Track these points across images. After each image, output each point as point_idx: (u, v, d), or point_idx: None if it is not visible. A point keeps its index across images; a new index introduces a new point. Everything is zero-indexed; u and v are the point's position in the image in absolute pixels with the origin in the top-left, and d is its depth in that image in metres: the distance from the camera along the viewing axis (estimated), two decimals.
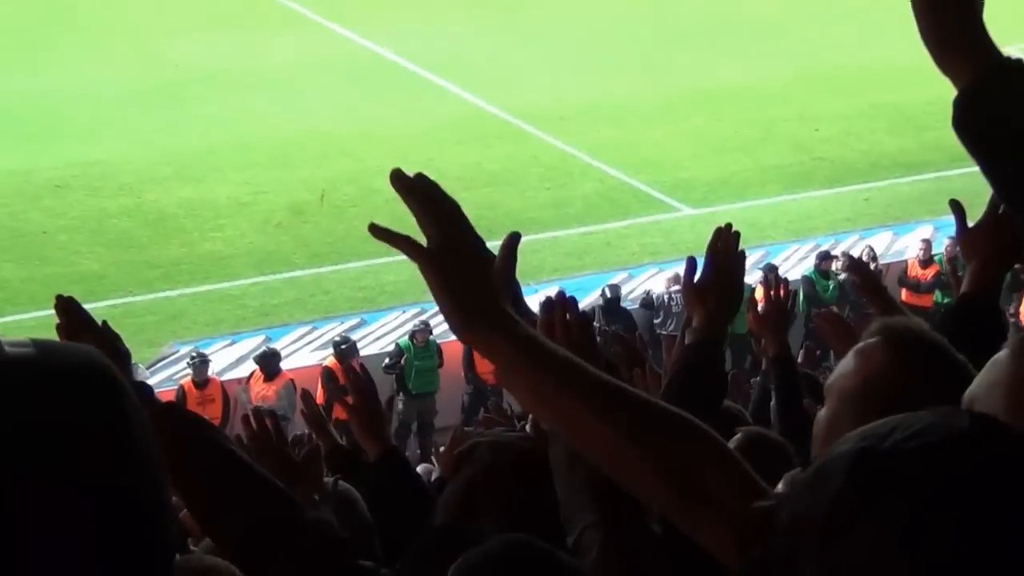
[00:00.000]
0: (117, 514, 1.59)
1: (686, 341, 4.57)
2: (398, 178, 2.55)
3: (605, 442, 2.50)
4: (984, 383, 2.86)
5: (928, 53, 2.75)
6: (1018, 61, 2.74)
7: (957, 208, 4.72)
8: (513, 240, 2.71)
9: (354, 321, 20.70)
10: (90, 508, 1.55)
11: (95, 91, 27.63)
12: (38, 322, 21.36)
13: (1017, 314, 21.73)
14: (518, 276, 3.87)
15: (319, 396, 19.37)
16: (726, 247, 4.58)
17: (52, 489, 1.54)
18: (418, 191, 2.55)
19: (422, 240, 2.48)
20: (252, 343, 20.44)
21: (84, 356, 1.72)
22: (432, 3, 31.96)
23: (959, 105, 2.74)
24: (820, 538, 1.86)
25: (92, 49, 29.13)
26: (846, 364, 3.69)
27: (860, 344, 3.71)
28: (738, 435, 5.31)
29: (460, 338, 2.64)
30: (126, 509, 1.60)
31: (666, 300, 21.52)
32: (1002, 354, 2.76)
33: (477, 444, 4.90)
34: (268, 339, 20.40)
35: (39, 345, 1.63)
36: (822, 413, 3.63)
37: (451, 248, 2.59)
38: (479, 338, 2.59)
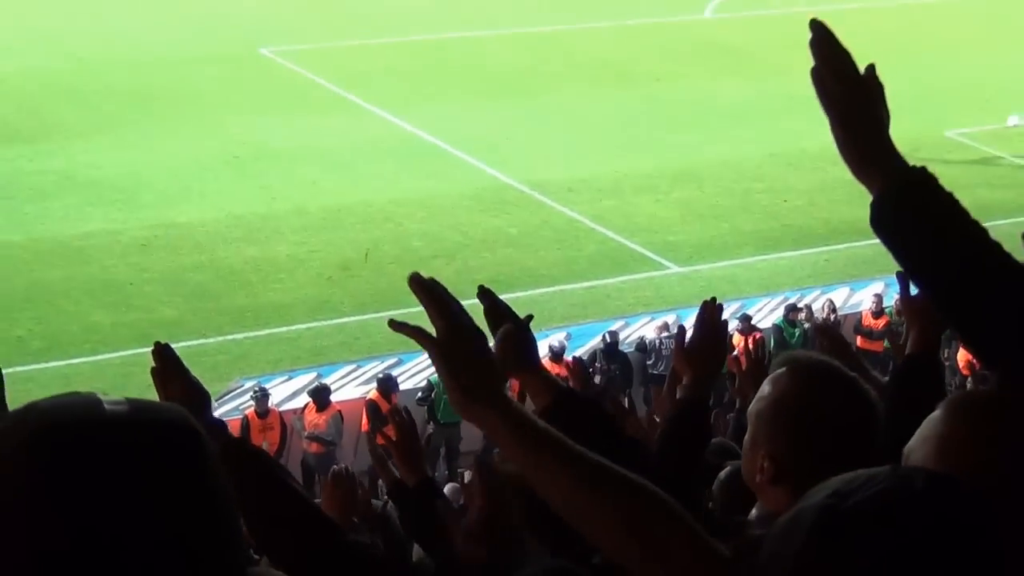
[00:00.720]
0: (198, 545, 1.70)
1: (677, 396, 4.62)
2: (415, 281, 2.62)
3: (580, 508, 2.51)
4: (919, 438, 2.71)
5: (846, 165, 2.76)
6: (921, 171, 2.78)
7: (901, 278, 4.68)
8: (507, 331, 2.73)
9: (392, 360, 20.55)
10: (176, 540, 1.66)
11: (175, 164, 27.62)
12: (124, 360, 21.23)
13: (954, 359, 21.67)
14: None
15: (364, 424, 19.29)
16: (711, 318, 4.63)
17: (145, 528, 1.65)
18: (430, 292, 2.62)
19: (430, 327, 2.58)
20: (306, 379, 20.34)
21: (168, 413, 1.81)
22: (461, 92, 31.93)
23: (873, 209, 2.79)
24: None
25: (173, 128, 29.09)
26: (760, 391, 3.66)
27: (772, 373, 3.68)
28: (727, 467, 5.36)
29: (460, 414, 2.63)
30: (205, 540, 1.71)
31: (657, 344, 21.53)
32: (936, 413, 2.65)
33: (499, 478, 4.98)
34: (320, 376, 20.30)
35: (132, 403, 1.70)
36: (747, 435, 3.60)
37: (454, 339, 2.61)
38: (475, 415, 2.58)
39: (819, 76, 2.81)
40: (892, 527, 1.87)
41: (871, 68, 2.81)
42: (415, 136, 29.36)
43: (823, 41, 2.81)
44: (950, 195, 2.78)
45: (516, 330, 3.97)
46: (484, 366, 2.58)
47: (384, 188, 27.18)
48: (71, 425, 1.70)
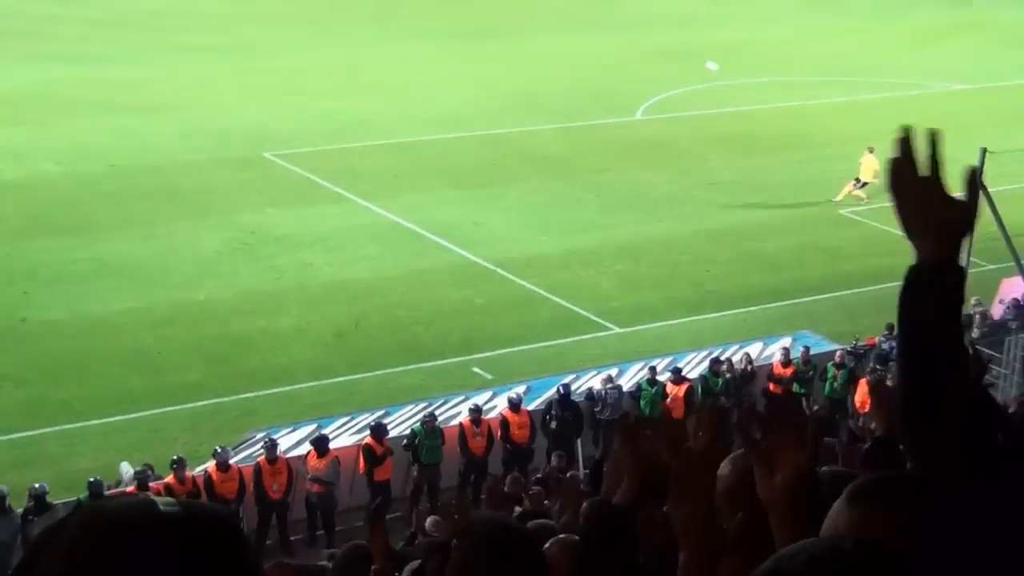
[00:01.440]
0: None
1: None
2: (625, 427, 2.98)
3: None
4: (826, 526, 2.63)
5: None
6: (952, 263, 2.71)
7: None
8: None
9: (381, 412, 20.44)
10: None
11: (195, 250, 27.57)
12: (155, 417, 21.18)
13: (851, 399, 21.70)
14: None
15: (361, 466, 19.22)
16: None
17: None
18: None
19: None
20: (307, 430, 20.23)
21: (215, 513, 1.79)
22: (434, 185, 32.11)
23: (908, 280, 2.76)
24: None
25: (193, 221, 29.02)
26: (723, 469, 3.76)
27: (732, 455, 3.74)
28: None
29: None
30: None
31: (603, 394, 21.50)
32: (840, 501, 2.61)
33: (471, 522, 4.81)
34: (319, 427, 20.20)
35: (183, 504, 1.71)
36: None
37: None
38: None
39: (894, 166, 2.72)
40: None
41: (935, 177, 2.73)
42: (396, 223, 29.31)
43: (905, 144, 2.77)
44: (962, 287, 2.68)
45: None
46: None
47: (371, 267, 27.14)
48: (129, 524, 1.69)
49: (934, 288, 2.70)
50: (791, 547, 1.99)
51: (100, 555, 1.64)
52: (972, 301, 23.31)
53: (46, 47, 42.53)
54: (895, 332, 3.03)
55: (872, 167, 31.62)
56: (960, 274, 2.69)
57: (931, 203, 2.69)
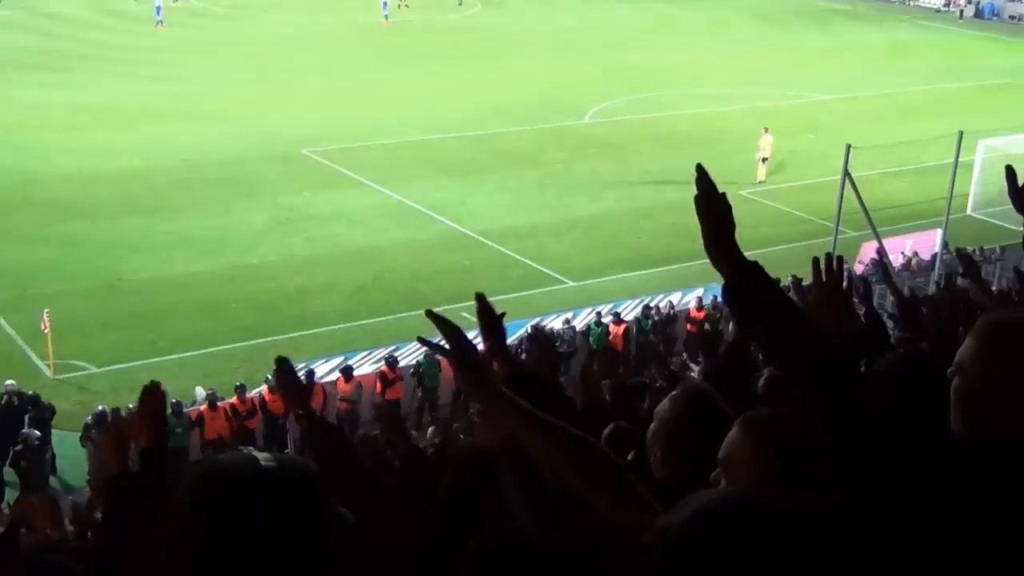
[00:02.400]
0: (318, 557, 1.70)
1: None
2: (430, 314, 2.72)
3: (551, 456, 2.44)
4: (723, 455, 2.69)
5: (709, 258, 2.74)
6: (753, 264, 2.69)
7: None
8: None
9: (393, 347, 20.49)
10: (303, 557, 1.67)
11: (248, 225, 28.07)
12: (222, 352, 21.23)
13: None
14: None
15: (377, 387, 19.34)
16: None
17: (281, 547, 1.64)
18: (441, 322, 2.62)
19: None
20: (336, 361, 20.26)
21: (302, 465, 1.81)
22: (432, 174, 32.10)
23: (723, 293, 2.75)
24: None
25: (246, 203, 29.13)
26: (662, 406, 3.47)
27: (672, 394, 3.51)
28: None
29: (475, 398, 2.65)
30: (322, 555, 1.70)
31: (561, 332, 21.61)
32: (734, 431, 2.70)
33: (456, 448, 4.75)
34: (346, 358, 20.24)
35: (276, 459, 1.72)
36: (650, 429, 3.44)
37: (459, 353, 2.56)
38: (481, 403, 2.60)
39: (699, 201, 2.74)
40: (694, 530, 1.68)
41: (724, 195, 2.77)
42: (402, 203, 29.31)
43: (702, 179, 2.75)
44: (770, 280, 2.69)
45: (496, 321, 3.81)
46: (481, 365, 2.58)
47: (383, 237, 27.19)
48: (237, 477, 1.69)
49: (745, 295, 2.68)
50: (687, 499, 1.85)
51: (215, 502, 1.66)
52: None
53: (132, 69, 42.31)
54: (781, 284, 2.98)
55: (769, 142, 31.86)
56: (759, 273, 2.69)
57: (722, 217, 2.72)
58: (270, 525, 1.65)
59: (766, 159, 32.09)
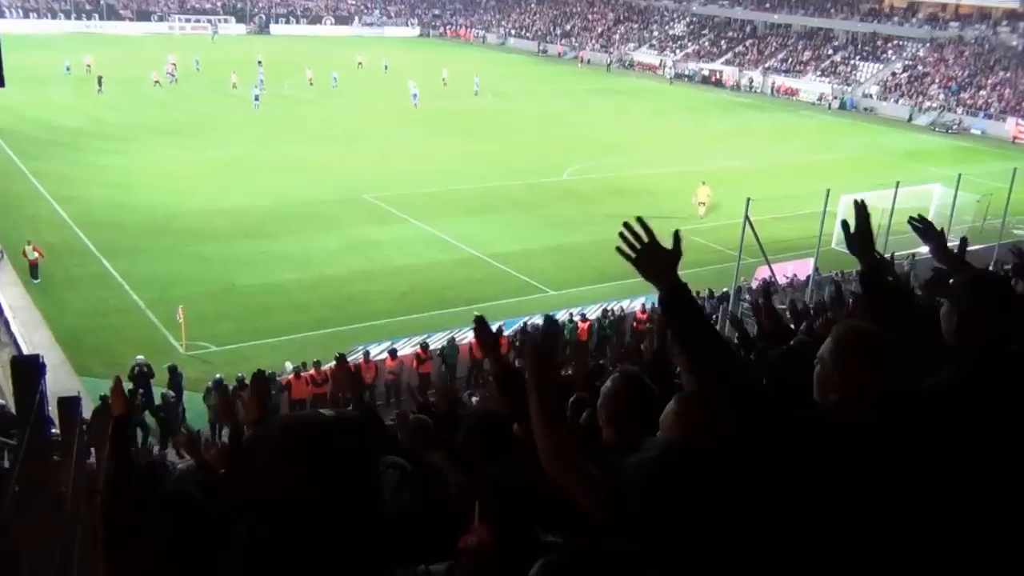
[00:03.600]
0: (367, 497, 1.65)
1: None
2: (479, 319, 2.77)
3: (544, 437, 2.41)
4: (665, 415, 2.76)
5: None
6: (683, 285, 2.66)
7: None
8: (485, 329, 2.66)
9: (426, 335, 20.61)
10: (357, 494, 1.63)
11: (326, 249, 27.77)
12: (303, 338, 21.07)
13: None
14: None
15: (414, 364, 19.40)
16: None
17: (343, 484, 1.61)
18: (482, 330, 2.51)
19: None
20: (385, 344, 20.35)
21: (353, 417, 1.74)
22: (454, 213, 31.87)
23: (660, 304, 2.70)
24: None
25: (324, 232, 28.91)
26: (607, 387, 3.34)
27: (612, 375, 3.41)
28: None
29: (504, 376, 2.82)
30: (372, 495, 1.66)
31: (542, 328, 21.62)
32: (671, 404, 2.64)
33: (469, 411, 4.62)
34: (392, 343, 20.29)
35: (335, 412, 1.68)
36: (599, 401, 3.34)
37: (494, 360, 2.78)
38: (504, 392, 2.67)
39: (623, 243, 2.78)
40: (639, 469, 1.82)
41: (651, 237, 2.78)
42: (434, 234, 29.33)
43: (628, 227, 2.79)
44: (691, 297, 2.67)
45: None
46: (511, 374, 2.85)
47: (420, 257, 27.13)
48: (310, 424, 1.66)
49: (676, 304, 2.65)
50: (646, 443, 1.93)
51: (293, 443, 1.64)
52: (741, 280, 23.48)
53: (242, 136, 42.40)
54: (699, 296, 3.03)
55: (706, 191, 32.56)
56: (685, 290, 2.66)
57: (655, 256, 2.70)
58: (330, 458, 1.63)
59: (703, 203, 32.65)
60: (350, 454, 1.66)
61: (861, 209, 3.36)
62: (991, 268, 16.33)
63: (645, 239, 2.74)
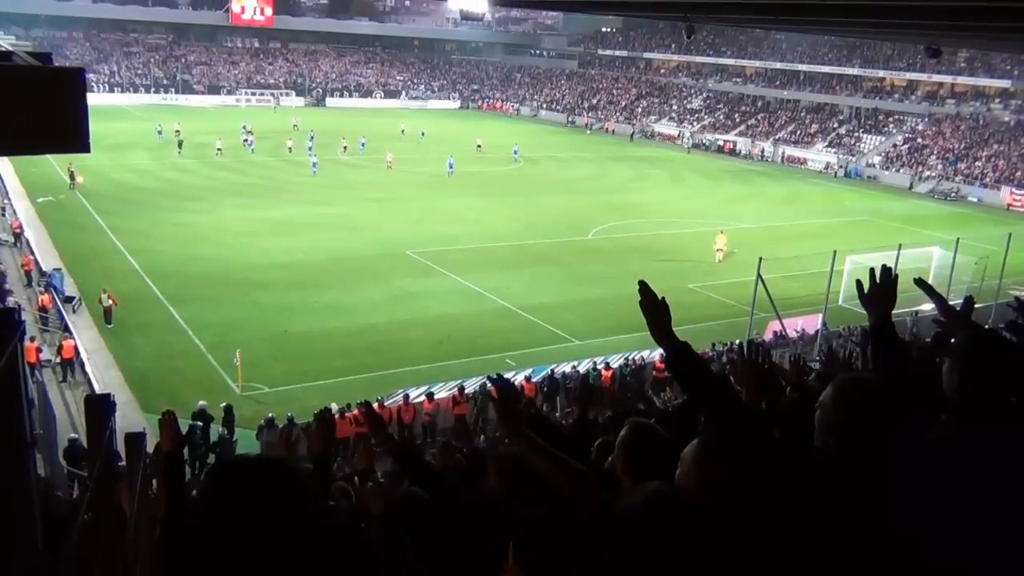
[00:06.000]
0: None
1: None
2: (491, 378, 2.58)
3: (551, 473, 2.41)
4: (681, 462, 2.62)
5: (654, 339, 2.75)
6: (683, 344, 2.72)
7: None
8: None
9: (461, 380, 20.50)
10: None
11: (372, 299, 27.70)
12: (348, 381, 21.04)
13: None
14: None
15: (451, 406, 19.10)
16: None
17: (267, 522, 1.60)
18: (500, 385, 2.57)
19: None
20: (423, 388, 20.26)
21: (288, 463, 1.75)
22: (488, 267, 31.90)
23: (666, 365, 2.77)
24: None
25: (371, 284, 29.05)
26: (620, 437, 3.26)
27: (624, 427, 3.29)
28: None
29: (508, 438, 2.54)
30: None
31: (570, 374, 21.41)
32: (687, 449, 2.61)
33: (499, 449, 4.53)
34: (430, 386, 20.24)
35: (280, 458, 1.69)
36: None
37: (504, 405, 2.52)
38: (512, 440, 2.50)
39: (643, 304, 2.84)
40: (633, 515, 1.85)
41: (663, 299, 2.85)
42: (469, 287, 29.41)
43: (644, 290, 2.84)
44: (693, 355, 2.72)
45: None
46: (519, 416, 2.60)
47: (456, 308, 27.16)
48: (228, 468, 1.72)
49: (684, 365, 2.72)
50: (637, 488, 1.94)
51: (215, 485, 1.69)
52: (754, 334, 23.26)
53: (298, 197, 43.00)
54: (714, 347, 3.01)
55: (723, 239, 34.06)
56: (688, 349, 2.72)
57: (661, 314, 2.78)
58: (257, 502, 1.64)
59: (721, 250, 33.62)
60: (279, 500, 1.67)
61: (888, 272, 3.45)
62: (989, 326, 16.03)
63: (649, 299, 2.81)
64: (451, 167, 52.51)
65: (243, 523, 1.57)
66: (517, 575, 2.61)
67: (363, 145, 59.18)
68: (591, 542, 2.47)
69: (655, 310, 2.81)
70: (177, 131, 58.99)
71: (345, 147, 58.77)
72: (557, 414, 17.55)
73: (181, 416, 4.75)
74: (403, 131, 69.77)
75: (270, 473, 1.67)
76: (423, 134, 68.40)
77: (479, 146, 62.54)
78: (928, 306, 3.98)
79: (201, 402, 17.96)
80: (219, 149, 54.92)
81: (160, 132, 60.45)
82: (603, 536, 2.04)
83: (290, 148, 56.09)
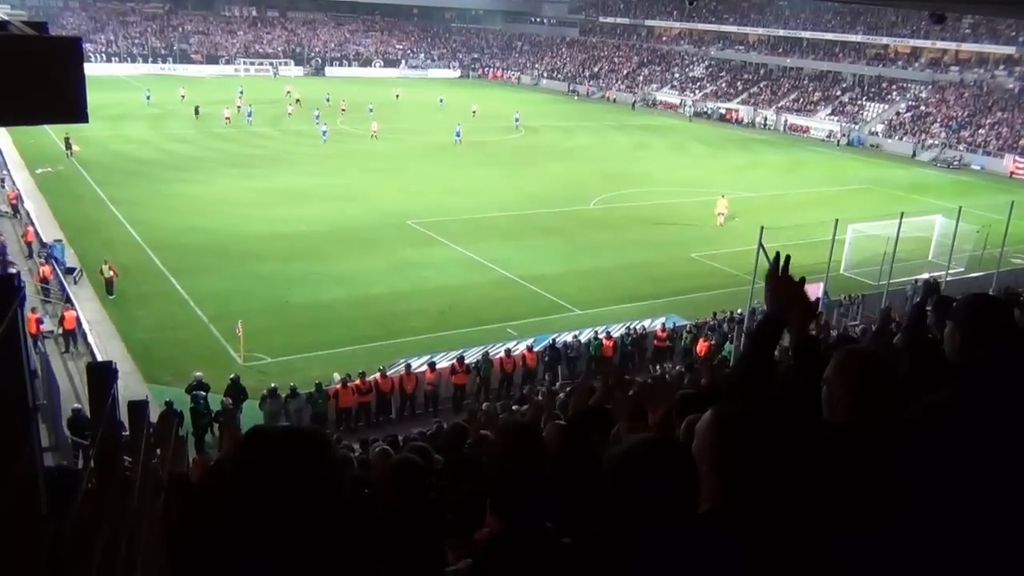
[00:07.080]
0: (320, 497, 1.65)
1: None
2: (615, 374, 2.97)
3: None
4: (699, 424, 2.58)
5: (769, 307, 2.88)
6: (780, 316, 2.88)
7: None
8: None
9: (462, 350, 20.57)
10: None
11: (375, 268, 27.69)
12: (349, 351, 21.05)
13: (693, 348, 21.54)
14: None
15: (453, 378, 19.13)
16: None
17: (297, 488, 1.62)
18: (619, 380, 2.60)
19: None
20: (425, 358, 20.34)
21: (312, 431, 1.77)
22: (490, 238, 31.75)
23: (760, 326, 2.93)
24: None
25: (372, 253, 29.15)
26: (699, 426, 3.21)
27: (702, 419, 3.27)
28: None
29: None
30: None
31: (572, 343, 21.44)
32: (705, 415, 2.55)
33: (505, 422, 4.52)
34: (431, 356, 20.24)
35: (284, 427, 1.68)
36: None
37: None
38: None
39: (770, 279, 2.96)
40: (623, 457, 2.00)
41: (799, 282, 2.97)
42: (471, 257, 29.38)
43: (777, 263, 2.86)
44: (777, 328, 2.85)
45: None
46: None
47: (458, 278, 27.12)
48: (265, 435, 1.71)
49: (768, 331, 2.91)
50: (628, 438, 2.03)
51: (245, 455, 1.71)
52: (755, 302, 23.32)
53: (301, 168, 42.84)
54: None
55: (725, 203, 34.66)
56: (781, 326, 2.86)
57: (787, 290, 2.91)
58: (288, 468, 1.67)
59: (722, 214, 34.23)
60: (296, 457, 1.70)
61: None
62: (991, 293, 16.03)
63: (781, 272, 2.95)
64: (458, 136, 52.23)
65: (284, 488, 1.61)
66: (493, 524, 2.69)
67: (371, 110, 59.55)
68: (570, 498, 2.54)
69: (785, 288, 2.89)
70: (183, 96, 60.54)
71: (344, 109, 59.62)
72: (557, 384, 17.60)
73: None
74: (397, 96, 71.46)
75: (307, 441, 1.70)
76: (441, 100, 69.63)
77: (474, 112, 62.72)
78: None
79: (197, 372, 18.03)
80: (227, 118, 54.74)
81: (148, 98, 61.13)
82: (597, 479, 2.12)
83: (290, 113, 56.27)
